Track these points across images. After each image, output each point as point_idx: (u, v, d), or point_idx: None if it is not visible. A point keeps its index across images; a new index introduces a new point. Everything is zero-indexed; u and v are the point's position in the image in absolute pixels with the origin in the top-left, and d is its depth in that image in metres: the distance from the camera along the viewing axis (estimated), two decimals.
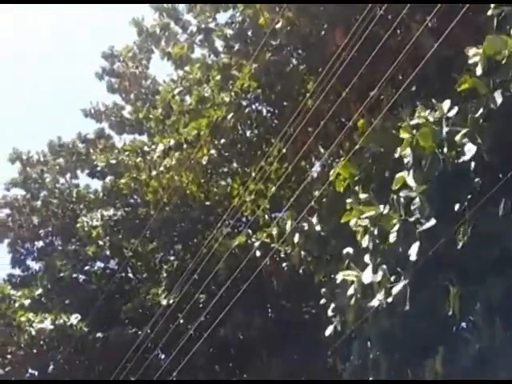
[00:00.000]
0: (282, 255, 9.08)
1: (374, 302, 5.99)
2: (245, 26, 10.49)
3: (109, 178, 13.95)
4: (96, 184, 14.41)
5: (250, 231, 10.34)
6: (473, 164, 5.49)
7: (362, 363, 6.60)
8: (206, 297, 10.78)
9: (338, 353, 7.62)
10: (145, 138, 14.08)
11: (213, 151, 11.19)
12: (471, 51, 5.53)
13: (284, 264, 9.07)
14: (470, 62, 5.48)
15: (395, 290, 5.83)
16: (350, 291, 6.22)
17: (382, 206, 6.13)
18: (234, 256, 9.63)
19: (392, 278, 5.95)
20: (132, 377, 10.99)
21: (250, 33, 10.36)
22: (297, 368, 9.36)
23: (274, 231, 8.76)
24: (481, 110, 5.32)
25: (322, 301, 7.39)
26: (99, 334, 12.28)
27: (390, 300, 5.88)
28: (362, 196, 6.67)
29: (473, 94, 5.58)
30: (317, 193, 7.81)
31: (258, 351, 10.79)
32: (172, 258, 13.09)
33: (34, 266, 14.60)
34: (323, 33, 9.00)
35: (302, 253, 7.97)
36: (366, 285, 6.09)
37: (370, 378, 6.45)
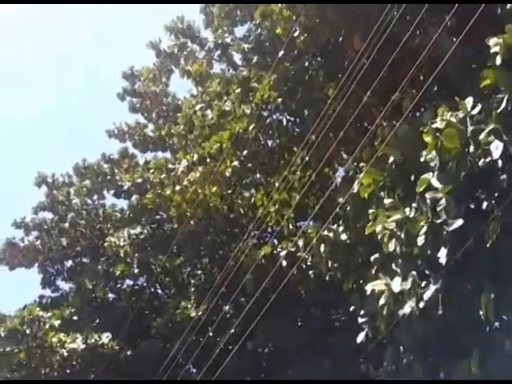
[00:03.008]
0: (309, 263, 9.00)
1: (406, 309, 5.90)
2: (262, 39, 10.54)
3: (134, 197, 14.06)
4: (122, 203, 14.56)
5: (275, 241, 10.29)
6: (500, 161, 5.40)
7: (395, 369, 6.52)
8: (235, 309, 10.73)
9: (370, 359, 7.53)
10: (168, 154, 14.19)
11: (236, 163, 11.19)
12: (492, 41, 5.45)
13: (310, 272, 8.98)
14: (492, 51, 5.40)
15: (427, 295, 5.74)
16: (382, 301, 6.12)
17: (407, 210, 6.05)
18: (260, 267, 9.57)
19: (423, 284, 5.86)
20: None
21: (267, 44, 10.41)
22: (329, 376, 9.23)
23: (300, 242, 8.71)
24: (503, 105, 5.24)
25: (352, 307, 7.32)
26: (130, 352, 12.29)
27: (421, 305, 5.80)
28: (387, 201, 6.60)
29: (495, 90, 5.50)
30: (341, 199, 7.73)
31: (289, 361, 10.68)
32: (199, 271, 13.09)
33: (64, 286, 14.75)
34: (341, 39, 8.98)
35: (329, 262, 7.90)
36: (397, 292, 6.00)
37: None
